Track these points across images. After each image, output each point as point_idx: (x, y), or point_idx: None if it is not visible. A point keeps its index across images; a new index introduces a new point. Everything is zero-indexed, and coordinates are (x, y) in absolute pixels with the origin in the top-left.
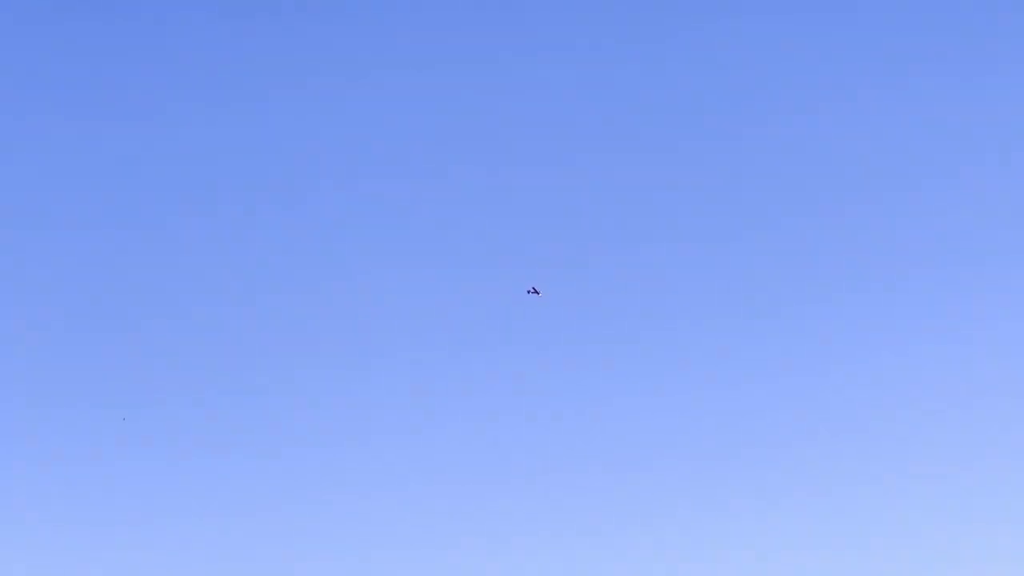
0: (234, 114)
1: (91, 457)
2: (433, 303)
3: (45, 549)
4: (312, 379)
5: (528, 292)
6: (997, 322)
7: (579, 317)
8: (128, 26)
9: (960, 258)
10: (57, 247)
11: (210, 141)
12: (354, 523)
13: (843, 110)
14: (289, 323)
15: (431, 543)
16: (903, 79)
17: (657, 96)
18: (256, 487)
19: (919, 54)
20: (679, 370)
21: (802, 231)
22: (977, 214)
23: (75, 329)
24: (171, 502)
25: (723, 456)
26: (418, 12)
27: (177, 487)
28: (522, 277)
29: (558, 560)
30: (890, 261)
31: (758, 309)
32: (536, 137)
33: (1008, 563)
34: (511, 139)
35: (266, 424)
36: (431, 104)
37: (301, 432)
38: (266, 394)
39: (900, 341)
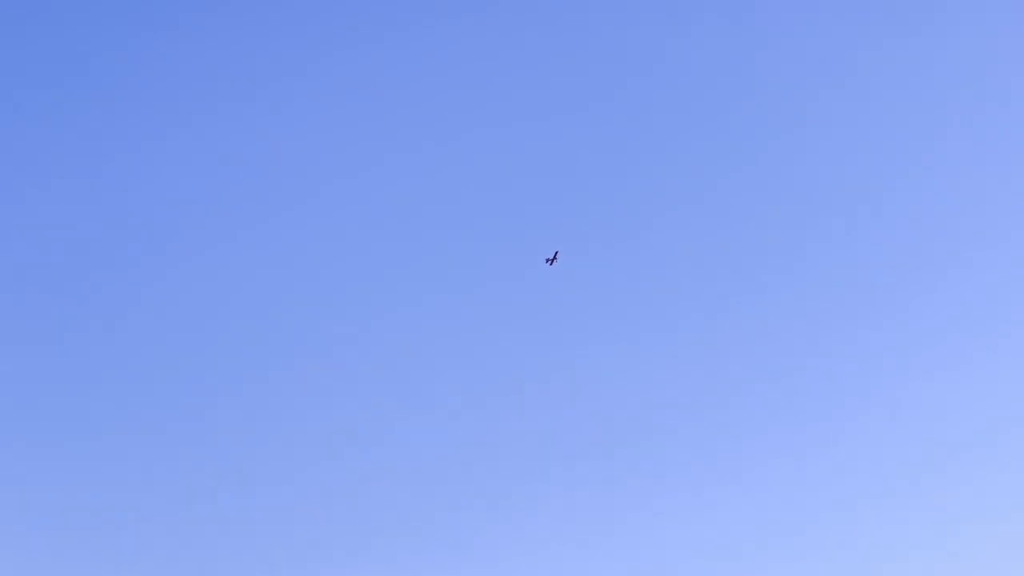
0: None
1: (89, 456)
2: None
3: (44, 549)
4: (310, 379)
5: (547, 261)
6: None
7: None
8: (124, 22)
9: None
10: (55, 247)
11: (208, 139)
12: (353, 528)
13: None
14: (286, 321)
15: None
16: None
17: (660, 96)
18: (254, 487)
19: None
20: (680, 366)
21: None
22: (975, 211)
23: (73, 329)
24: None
25: (722, 454)
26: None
27: (178, 488)
28: (520, 275)
29: (558, 561)
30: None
31: (755, 309)
32: (533, 135)
33: (1008, 563)
34: (508, 135)
35: (265, 425)
36: (428, 103)
37: (298, 431)
38: (264, 395)
39: (901, 340)
